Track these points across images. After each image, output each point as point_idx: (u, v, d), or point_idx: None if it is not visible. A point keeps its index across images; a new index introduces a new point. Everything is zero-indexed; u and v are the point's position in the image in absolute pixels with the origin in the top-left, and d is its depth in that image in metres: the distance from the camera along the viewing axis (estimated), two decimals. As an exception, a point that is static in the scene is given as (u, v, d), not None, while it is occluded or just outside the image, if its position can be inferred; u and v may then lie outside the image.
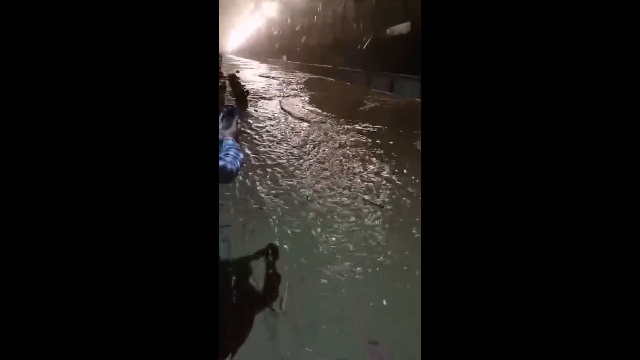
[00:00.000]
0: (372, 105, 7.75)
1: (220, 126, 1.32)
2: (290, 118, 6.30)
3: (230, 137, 1.28)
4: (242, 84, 8.24)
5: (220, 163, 1.12)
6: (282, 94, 9.01)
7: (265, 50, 28.85)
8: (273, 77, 13.70)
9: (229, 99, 7.73)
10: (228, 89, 8.21)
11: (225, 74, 8.91)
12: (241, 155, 1.22)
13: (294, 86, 10.84)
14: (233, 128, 1.33)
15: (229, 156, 1.18)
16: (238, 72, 9.41)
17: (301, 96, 8.73)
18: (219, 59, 9.16)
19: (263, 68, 21.28)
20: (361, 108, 7.34)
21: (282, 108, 7.07)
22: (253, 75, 13.90)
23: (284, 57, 21.12)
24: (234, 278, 1.95)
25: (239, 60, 31.99)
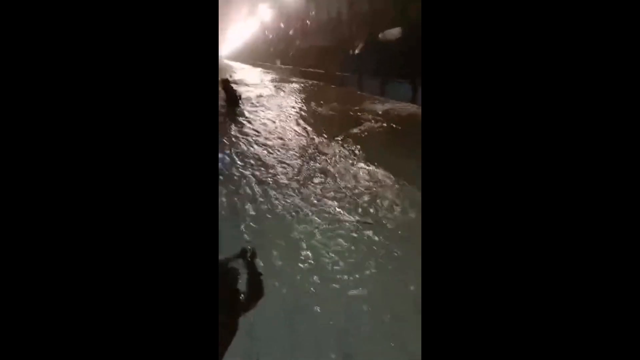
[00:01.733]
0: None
1: None
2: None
3: None
4: (235, 88, 8.24)
5: None
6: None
7: (259, 54, 28.83)
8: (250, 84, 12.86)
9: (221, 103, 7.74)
10: (221, 94, 8.20)
11: (218, 78, 8.91)
12: (223, 158, 1.22)
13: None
14: None
15: None
16: (231, 76, 9.40)
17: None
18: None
19: (256, 72, 21.28)
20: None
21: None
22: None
23: (278, 62, 21.14)
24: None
25: (232, 65, 31.93)
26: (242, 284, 1.96)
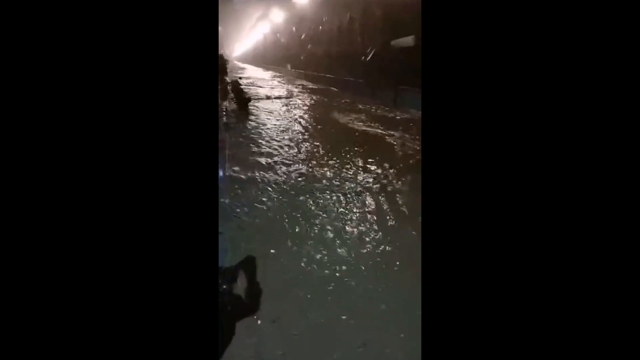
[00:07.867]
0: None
1: None
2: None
3: None
4: (245, 90, 8.30)
5: None
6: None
7: (270, 57, 29.10)
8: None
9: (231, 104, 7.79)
10: (230, 94, 8.26)
11: (229, 79, 8.98)
12: (220, 173, 1.20)
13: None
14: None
15: None
16: (241, 78, 9.48)
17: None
18: (225, 64, 9.18)
19: (267, 75, 21.45)
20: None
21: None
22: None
23: (288, 66, 21.29)
24: (224, 286, 1.95)
25: (244, 67, 32.33)
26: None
